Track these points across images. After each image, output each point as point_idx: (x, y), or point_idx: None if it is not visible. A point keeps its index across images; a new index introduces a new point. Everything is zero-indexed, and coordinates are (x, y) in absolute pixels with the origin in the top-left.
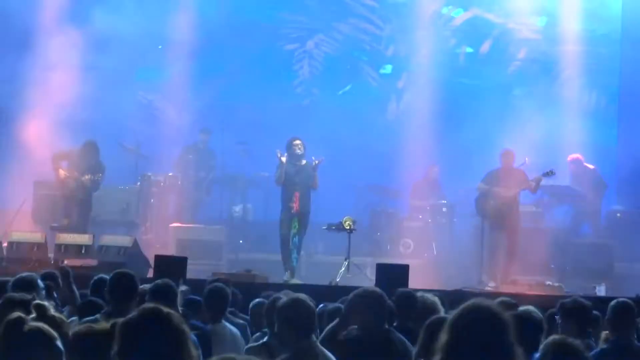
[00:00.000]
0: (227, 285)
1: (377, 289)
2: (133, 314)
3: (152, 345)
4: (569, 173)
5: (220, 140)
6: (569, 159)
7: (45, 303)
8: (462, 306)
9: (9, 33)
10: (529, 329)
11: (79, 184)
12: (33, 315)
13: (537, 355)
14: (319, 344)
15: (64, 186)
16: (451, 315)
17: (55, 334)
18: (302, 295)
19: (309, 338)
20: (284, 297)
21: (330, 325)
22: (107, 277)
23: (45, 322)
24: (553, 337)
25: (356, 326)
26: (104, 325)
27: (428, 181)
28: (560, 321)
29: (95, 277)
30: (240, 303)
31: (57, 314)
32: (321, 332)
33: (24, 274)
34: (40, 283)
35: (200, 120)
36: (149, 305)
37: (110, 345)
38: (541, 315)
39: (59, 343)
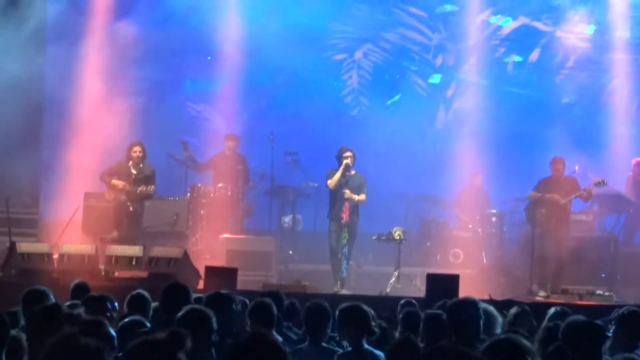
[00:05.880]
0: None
1: None
2: (242, 338)
3: None
4: (631, 176)
5: (269, 150)
6: (633, 162)
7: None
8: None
9: (58, 38)
10: (586, 339)
11: (133, 196)
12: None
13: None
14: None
15: (117, 199)
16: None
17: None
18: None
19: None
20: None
21: None
22: (144, 292)
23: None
24: None
25: None
26: (161, 334)
27: (472, 189)
28: (614, 330)
29: (133, 293)
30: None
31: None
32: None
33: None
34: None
35: (249, 131)
36: (259, 331)
37: (169, 354)
38: (598, 324)
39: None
